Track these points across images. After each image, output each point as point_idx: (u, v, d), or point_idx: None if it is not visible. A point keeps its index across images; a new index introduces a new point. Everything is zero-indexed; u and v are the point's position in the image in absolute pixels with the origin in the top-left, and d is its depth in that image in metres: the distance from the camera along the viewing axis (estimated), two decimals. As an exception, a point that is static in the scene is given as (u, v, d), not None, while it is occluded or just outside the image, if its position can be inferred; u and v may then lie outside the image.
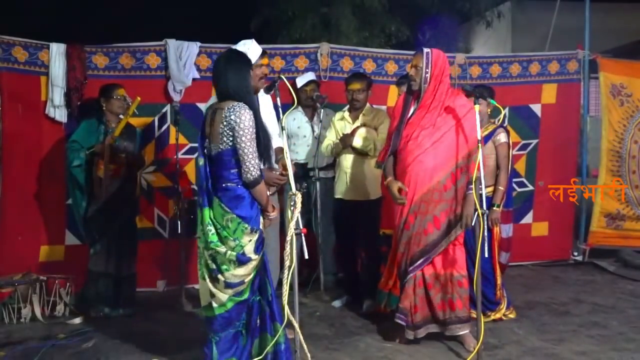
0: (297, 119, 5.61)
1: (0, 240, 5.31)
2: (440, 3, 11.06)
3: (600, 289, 5.68)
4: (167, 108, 5.74)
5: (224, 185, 3.34)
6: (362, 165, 4.99)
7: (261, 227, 3.40)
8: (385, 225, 4.83)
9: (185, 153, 5.65)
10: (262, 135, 3.36)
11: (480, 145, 3.87)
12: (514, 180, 6.06)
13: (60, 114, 5.43)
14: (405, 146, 4.13)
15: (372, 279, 4.86)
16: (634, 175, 6.65)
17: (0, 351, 4.16)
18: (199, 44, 5.75)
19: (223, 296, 3.32)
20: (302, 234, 3.47)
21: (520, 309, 4.93)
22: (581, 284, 5.85)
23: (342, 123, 5.17)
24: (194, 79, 5.73)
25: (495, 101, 4.49)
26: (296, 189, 3.45)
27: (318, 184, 5.25)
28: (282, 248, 3.55)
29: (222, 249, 3.29)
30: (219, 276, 3.31)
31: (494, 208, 4.56)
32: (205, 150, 3.39)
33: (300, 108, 5.57)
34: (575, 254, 6.67)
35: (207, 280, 3.34)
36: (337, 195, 5.15)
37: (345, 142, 5.00)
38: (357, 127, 5.02)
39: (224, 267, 3.30)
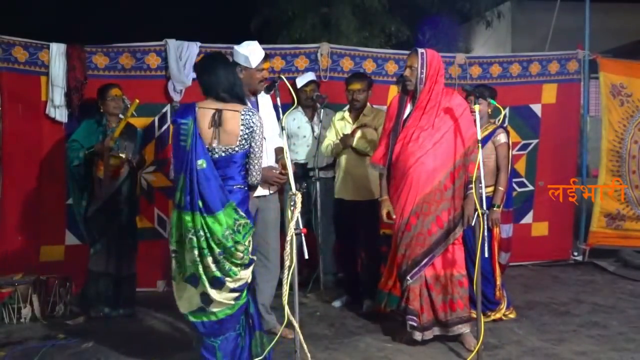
0: (297, 119, 5.61)
1: (0, 240, 5.30)
2: (440, 3, 11.08)
3: (600, 289, 5.68)
4: (167, 108, 5.74)
5: (231, 187, 3.32)
6: (362, 166, 4.97)
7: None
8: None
9: (185, 153, 5.64)
10: None
11: (479, 144, 3.87)
12: (514, 180, 6.05)
13: (60, 114, 5.43)
14: (406, 148, 4.12)
15: (372, 279, 4.85)
16: (634, 175, 6.64)
17: (0, 351, 4.16)
18: (199, 44, 5.75)
19: (227, 301, 3.31)
20: (302, 234, 3.46)
21: (520, 309, 4.93)
22: (581, 284, 5.85)
23: (342, 123, 5.17)
24: (194, 79, 5.68)
25: (497, 101, 4.50)
26: (296, 189, 3.45)
27: (318, 184, 5.25)
28: (282, 248, 3.55)
29: (240, 254, 3.29)
30: (227, 282, 3.28)
31: (494, 208, 4.56)
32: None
33: (300, 108, 5.56)
34: (575, 254, 6.66)
35: (207, 286, 3.26)
36: (337, 195, 5.15)
37: (345, 142, 5.00)
38: (357, 127, 5.02)
39: (233, 272, 3.28)
